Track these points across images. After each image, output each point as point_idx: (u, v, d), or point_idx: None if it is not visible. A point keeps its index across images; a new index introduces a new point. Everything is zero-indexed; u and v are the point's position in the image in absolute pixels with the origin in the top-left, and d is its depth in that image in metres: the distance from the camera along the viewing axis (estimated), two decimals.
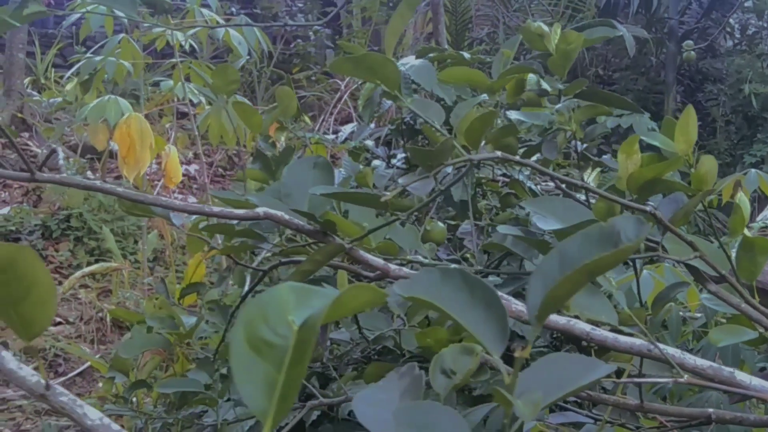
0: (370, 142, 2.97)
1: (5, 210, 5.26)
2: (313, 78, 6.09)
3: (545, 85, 2.34)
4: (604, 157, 1.18)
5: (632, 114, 6.31)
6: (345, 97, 4.39)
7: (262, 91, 7.20)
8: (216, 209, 0.83)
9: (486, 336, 0.42)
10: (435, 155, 0.74)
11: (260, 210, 0.83)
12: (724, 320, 1.58)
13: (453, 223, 1.84)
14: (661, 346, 0.73)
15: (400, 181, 0.81)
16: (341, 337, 1.52)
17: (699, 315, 1.62)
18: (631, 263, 1.07)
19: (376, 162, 2.90)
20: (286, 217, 0.83)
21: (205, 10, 2.30)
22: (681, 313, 1.58)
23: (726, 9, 7.36)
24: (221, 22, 2.29)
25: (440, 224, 1.47)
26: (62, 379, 3.56)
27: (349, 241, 0.84)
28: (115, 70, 1.95)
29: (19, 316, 0.42)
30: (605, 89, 8.04)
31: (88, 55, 3.15)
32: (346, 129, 3.42)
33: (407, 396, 0.48)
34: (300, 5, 6.43)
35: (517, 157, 0.88)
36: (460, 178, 0.90)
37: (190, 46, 2.65)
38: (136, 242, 4.83)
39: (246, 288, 1.15)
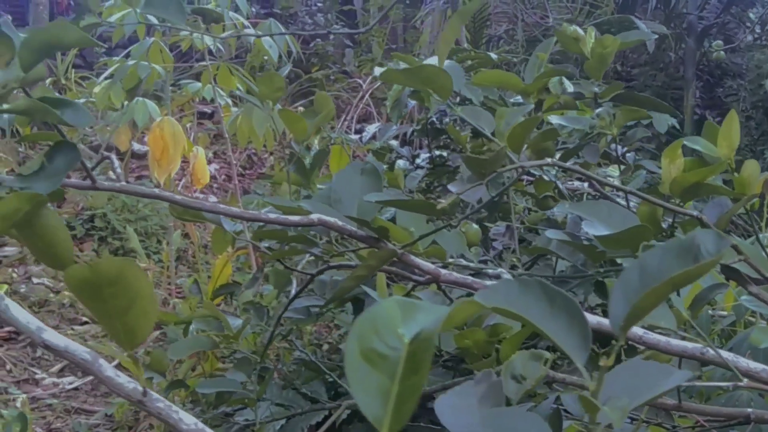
0: (394, 142, 2.99)
1: None
2: (332, 77, 6.11)
3: (568, 86, 2.36)
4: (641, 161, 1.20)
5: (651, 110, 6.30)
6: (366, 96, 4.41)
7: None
8: (272, 216, 0.85)
9: (569, 344, 0.44)
10: (488, 164, 0.76)
11: (315, 217, 0.85)
12: (753, 318, 1.59)
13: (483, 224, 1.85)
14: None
15: (451, 188, 0.83)
16: None
17: (725, 313, 1.63)
18: None
19: (400, 162, 2.92)
20: (340, 223, 0.85)
21: (232, 13, 2.33)
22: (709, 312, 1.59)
23: (746, 4, 7.31)
24: (248, 25, 2.32)
25: (474, 226, 1.49)
26: (89, 378, 3.61)
27: (401, 246, 0.86)
28: (149, 75, 1.99)
29: (123, 327, 0.45)
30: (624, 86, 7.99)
31: (116, 59, 3.20)
32: (370, 129, 3.45)
33: (485, 402, 0.50)
34: (319, 5, 6.46)
35: (569, 164, 0.90)
36: (510, 186, 0.92)
37: (216, 47, 2.68)
38: (159, 242, 4.88)
39: (294, 291, 1.17)
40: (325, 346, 2.19)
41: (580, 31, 1.37)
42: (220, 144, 6.74)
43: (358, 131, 6.33)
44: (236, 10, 2.40)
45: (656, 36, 6.82)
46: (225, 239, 1.30)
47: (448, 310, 0.35)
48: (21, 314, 0.50)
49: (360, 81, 4.85)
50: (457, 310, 0.35)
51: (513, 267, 1.13)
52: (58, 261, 0.60)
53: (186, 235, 4.84)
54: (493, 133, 1.13)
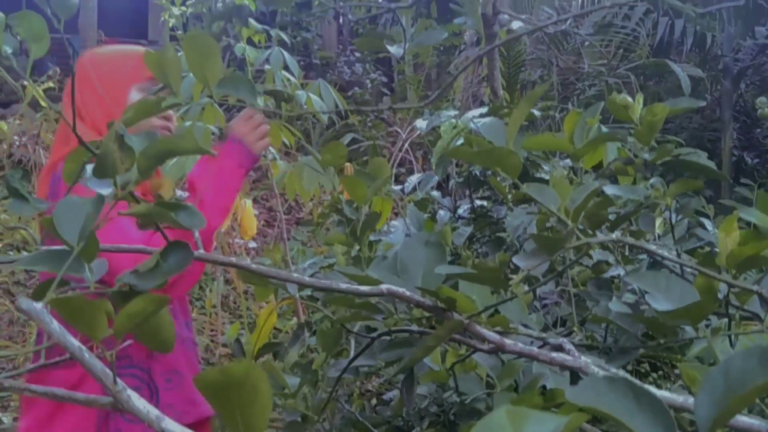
0: (435, 193, 3.04)
1: None
2: (369, 124, 6.22)
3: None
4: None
5: (689, 153, 6.28)
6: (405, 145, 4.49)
7: (317, 135, 7.37)
8: (344, 286, 0.89)
9: None
10: (558, 243, 0.80)
11: (384, 287, 0.89)
12: None
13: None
14: None
15: (519, 263, 0.86)
16: (420, 391, 1.58)
17: None
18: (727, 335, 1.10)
19: (441, 212, 2.96)
20: (408, 293, 0.89)
21: (283, 72, 2.42)
22: None
23: None
24: (298, 85, 2.40)
25: (524, 286, 1.53)
26: None
27: (467, 316, 0.90)
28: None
29: (244, 422, 0.49)
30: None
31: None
32: (412, 179, 3.50)
33: None
34: (357, 54, 6.61)
35: (631, 239, 0.94)
36: (573, 264, 0.96)
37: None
38: (202, 288, 4.97)
39: (352, 354, 1.21)
40: (374, 401, 2.21)
41: (629, 98, 1.41)
42: (259, 189, 6.87)
43: (396, 176, 6.41)
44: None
45: (689, 82, 6.83)
46: (268, 288, 1.36)
47: (562, 421, 0.39)
48: (141, 404, 0.55)
49: (399, 130, 4.93)
50: (570, 424, 0.39)
51: (570, 333, 1.16)
52: (163, 345, 0.65)
53: (228, 281, 4.92)
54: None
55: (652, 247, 0.90)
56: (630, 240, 0.91)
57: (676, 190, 1.16)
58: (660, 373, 1.98)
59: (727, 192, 7.32)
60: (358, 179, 1.26)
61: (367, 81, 6.27)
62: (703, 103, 1.43)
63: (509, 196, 2.60)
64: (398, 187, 3.82)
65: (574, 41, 6.32)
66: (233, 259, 0.92)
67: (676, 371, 1.84)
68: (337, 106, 2.38)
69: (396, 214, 4.55)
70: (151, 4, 8.97)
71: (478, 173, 2.92)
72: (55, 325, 0.60)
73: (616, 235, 0.84)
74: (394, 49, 1.55)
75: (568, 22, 5.02)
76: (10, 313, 4.65)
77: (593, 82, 6.93)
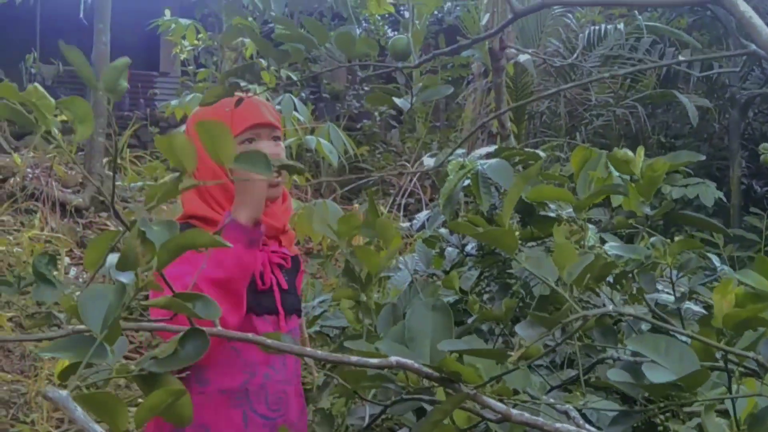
0: (443, 230, 3.07)
1: None
2: (378, 155, 6.28)
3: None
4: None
5: (698, 184, 6.29)
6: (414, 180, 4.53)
7: (326, 166, 7.43)
8: (354, 358, 0.92)
9: None
10: (556, 319, 0.83)
11: (393, 360, 0.92)
12: None
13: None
14: None
15: (520, 332, 0.89)
16: None
17: None
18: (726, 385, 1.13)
19: (449, 249, 2.99)
20: (416, 365, 0.92)
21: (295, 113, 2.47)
22: None
23: None
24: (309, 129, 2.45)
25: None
26: None
27: (472, 387, 0.93)
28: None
29: None
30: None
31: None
32: (420, 216, 3.54)
33: None
34: (366, 88, 6.69)
35: (631, 310, 0.97)
36: (573, 333, 0.98)
37: None
38: None
39: (366, 420, 1.24)
40: None
41: (630, 153, 1.45)
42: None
43: (405, 206, 6.45)
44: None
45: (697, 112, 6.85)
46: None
47: None
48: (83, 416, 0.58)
49: (406, 161, 4.97)
50: None
51: (577, 379, 1.18)
52: (181, 420, 0.68)
53: None
54: (523, 220, 1.20)
55: (650, 317, 0.93)
56: (633, 313, 0.94)
57: (677, 249, 1.19)
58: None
59: (737, 220, 7.32)
60: (371, 251, 1.29)
61: (376, 113, 6.34)
62: (703, 157, 1.46)
63: (517, 234, 2.63)
64: (407, 224, 3.85)
65: (581, 72, 6.37)
66: (251, 336, 0.95)
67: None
68: (346, 150, 2.42)
69: (406, 245, 4.57)
70: (163, 38, 9.10)
71: (485, 212, 2.94)
72: (79, 412, 0.63)
73: (612, 308, 0.87)
74: (401, 102, 1.59)
75: (575, 55, 5.08)
76: (22, 347, 4.69)
77: (600, 112, 6.97)
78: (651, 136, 7.83)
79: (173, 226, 0.77)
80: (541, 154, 2.71)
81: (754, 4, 6.88)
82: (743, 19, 0.92)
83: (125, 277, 0.72)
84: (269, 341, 0.95)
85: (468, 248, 2.82)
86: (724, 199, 6.21)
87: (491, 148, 2.97)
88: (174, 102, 3.05)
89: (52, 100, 0.87)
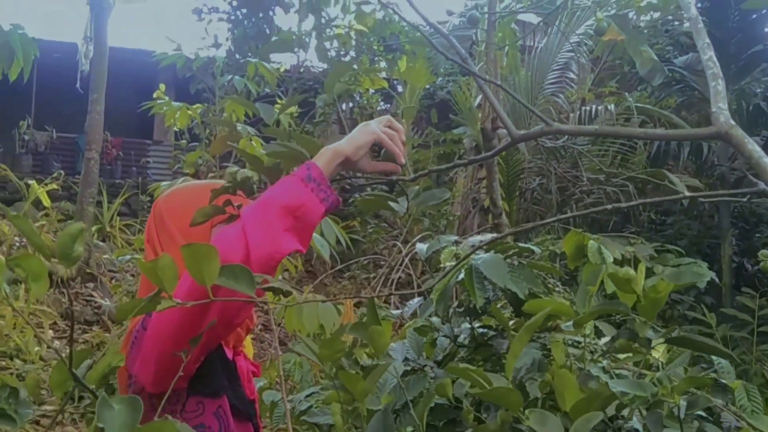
0: (435, 319, 3.01)
1: None
2: (370, 230, 6.25)
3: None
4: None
5: (689, 265, 6.27)
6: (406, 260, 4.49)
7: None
8: None
9: None
10: None
11: None
12: None
13: None
14: None
15: None
16: None
17: None
18: None
19: (441, 339, 2.92)
20: None
21: None
22: None
23: None
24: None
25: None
26: None
27: None
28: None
29: None
30: (658, 234, 7.91)
31: None
32: (412, 303, 3.48)
33: None
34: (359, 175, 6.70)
35: None
36: None
37: None
38: None
39: None
40: None
41: (631, 272, 1.41)
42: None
43: (396, 281, 6.38)
44: None
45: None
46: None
47: None
48: None
49: (398, 237, 4.94)
50: None
51: None
52: None
53: None
54: (518, 314, 1.14)
55: None
56: None
57: (685, 387, 1.14)
58: None
59: (728, 299, 7.29)
60: (357, 377, 1.24)
61: (368, 188, 6.35)
62: (713, 275, 1.42)
63: (510, 324, 2.57)
64: (397, 312, 3.79)
65: (572, 151, 6.43)
66: None
67: None
68: (338, 240, 2.38)
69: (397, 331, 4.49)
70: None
71: (479, 308, 2.89)
72: None
73: None
74: (396, 207, 1.56)
75: (565, 137, 5.12)
76: None
77: (592, 189, 7.01)
78: (641, 212, 7.85)
79: (136, 407, 0.70)
80: (536, 249, 2.68)
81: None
82: (752, 159, 0.89)
83: None
84: None
85: (461, 339, 2.76)
86: (716, 279, 6.19)
87: (485, 237, 2.94)
88: (164, 184, 3.03)
89: (2, 258, 0.82)
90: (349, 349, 2.04)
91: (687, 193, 1.06)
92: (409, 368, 2.50)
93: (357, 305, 6.40)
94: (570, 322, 1.53)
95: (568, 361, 1.41)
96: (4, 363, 5.09)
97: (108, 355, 0.95)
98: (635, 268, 1.50)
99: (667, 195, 7.99)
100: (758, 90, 7.27)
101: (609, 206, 1.40)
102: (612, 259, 2.70)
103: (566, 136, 5.89)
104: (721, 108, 1.00)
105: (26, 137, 10.95)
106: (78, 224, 0.86)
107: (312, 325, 2.24)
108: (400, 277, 6.37)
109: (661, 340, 1.32)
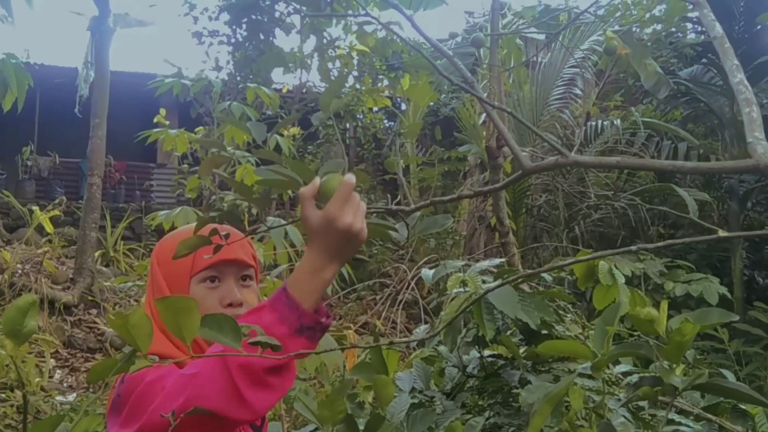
0: (443, 348, 2.92)
1: (71, 397, 5.28)
2: (375, 250, 6.18)
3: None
4: None
5: (701, 280, 6.15)
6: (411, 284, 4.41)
7: None
8: None
9: None
10: None
11: None
12: None
13: None
14: None
15: None
16: None
17: None
18: None
19: (449, 369, 2.83)
20: None
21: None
22: None
23: None
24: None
25: None
26: None
27: None
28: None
29: None
30: (667, 248, 7.78)
31: None
32: (419, 330, 3.39)
33: None
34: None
35: None
36: None
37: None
38: None
39: None
40: None
41: (654, 312, 1.32)
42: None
43: (401, 302, 6.29)
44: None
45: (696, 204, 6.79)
46: None
47: None
48: None
49: (408, 270, 4.86)
50: None
51: None
52: None
53: None
54: (529, 342, 1.06)
55: None
56: None
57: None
58: None
59: (740, 313, 7.16)
60: (385, 381, 1.16)
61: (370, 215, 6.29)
62: (725, 289, 1.33)
63: (520, 351, 2.48)
64: (404, 341, 3.68)
65: (578, 168, 6.35)
66: None
67: None
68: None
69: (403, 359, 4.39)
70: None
71: (488, 340, 2.80)
72: None
73: None
74: (397, 235, 1.47)
75: (573, 151, 5.03)
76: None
77: (599, 204, 6.92)
78: (650, 227, 7.75)
79: None
80: (548, 277, 2.59)
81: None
82: None
83: None
84: None
85: (470, 368, 2.67)
86: (728, 294, 6.08)
87: (492, 262, 2.85)
88: (162, 213, 2.96)
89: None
90: (352, 390, 1.95)
91: (722, 233, 0.97)
92: (416, 401, 2.41)
93: (363, 326, 6.31)
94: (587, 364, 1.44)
95: (585, 406, 1.32)
96: (4, 395, 5.00)
97: (84, 420, 0.87)
98: (645, 284, 1.42)
99: (676, 207, 7.89)
100: (765, 101, 7.19)
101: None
102: (623, 280, 2.61)
103: (573, 152, 5.81)
104: (758, 138, 0.92)
105: (29, 163, 10.92)
106: (29, 296, 0.79)
107: (313, 364, 2.16)
108: (406, 299, 6.28)
109: (689, 386, 1.23)
